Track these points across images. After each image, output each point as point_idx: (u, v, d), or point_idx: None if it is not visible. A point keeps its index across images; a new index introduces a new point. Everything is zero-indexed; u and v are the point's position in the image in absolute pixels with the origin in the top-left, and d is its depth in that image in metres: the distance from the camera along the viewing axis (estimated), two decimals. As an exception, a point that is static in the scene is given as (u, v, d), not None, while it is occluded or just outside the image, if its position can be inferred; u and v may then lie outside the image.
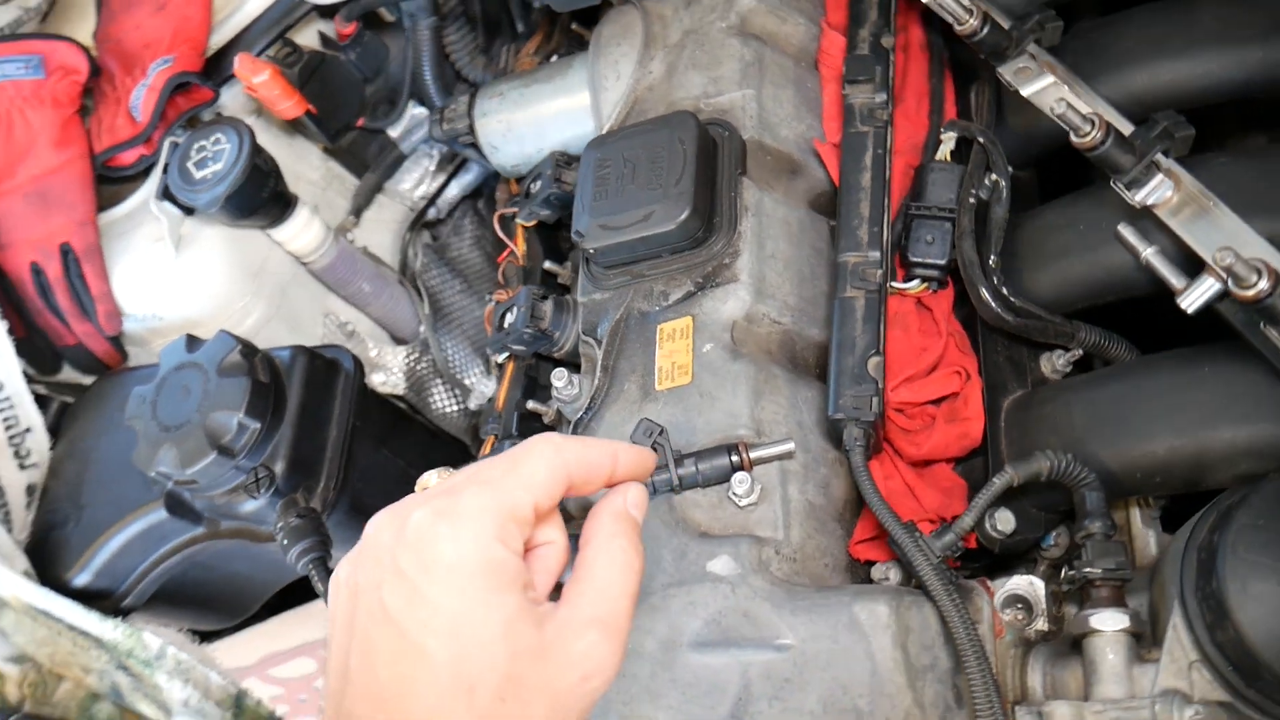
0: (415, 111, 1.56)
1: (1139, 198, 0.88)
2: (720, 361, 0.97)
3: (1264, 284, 0.70)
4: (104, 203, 1.38)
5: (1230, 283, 0.71)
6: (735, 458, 0.91)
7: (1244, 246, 0.83)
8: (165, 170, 1.31)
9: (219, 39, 1.43)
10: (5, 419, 1.31)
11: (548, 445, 0.63)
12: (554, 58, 1.43)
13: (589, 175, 1.07)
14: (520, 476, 0.61)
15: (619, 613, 0.61)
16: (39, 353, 1.40)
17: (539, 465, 0.62)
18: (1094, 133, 0.83)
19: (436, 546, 0.58)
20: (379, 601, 0.58)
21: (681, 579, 0.90)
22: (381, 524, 0.61)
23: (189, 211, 1.32)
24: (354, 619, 0.59)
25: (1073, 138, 0.84)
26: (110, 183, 1.40)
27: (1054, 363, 1.02)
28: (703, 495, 0.93)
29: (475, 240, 1.68)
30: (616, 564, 0.63)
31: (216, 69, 1.41)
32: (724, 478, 0.91)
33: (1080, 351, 1.01)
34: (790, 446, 0.91)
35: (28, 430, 1.33)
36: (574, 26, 1.44)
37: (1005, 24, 1.03)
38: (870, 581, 0.94)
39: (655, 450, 0.93)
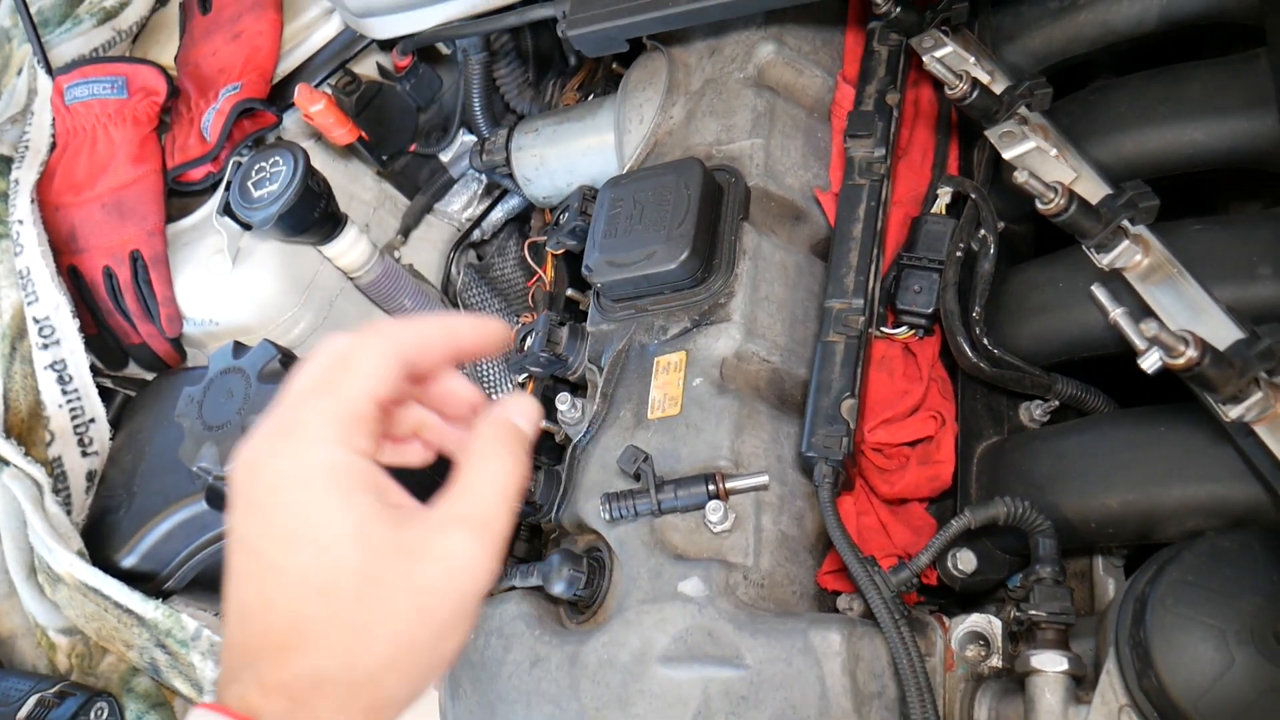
0: (466, 139, 1.65)
1: (1105, 261, 0.93)
2: (707, 396, 1.03)
3: (1192, 353, 0.74)
4: (173, 214, 1.50)
5: (1162, 353, 0.75)
6: (712, 486, 0.97)
7: (1199, 314, 0.88)
8: (227, 188, 1.42)
9: (285, 67, 1.54)
10: (72, 409, 1.44)
11: (373, 335, 0.61)
12: (591, 95, 1.51)
13: (602, 214, 1.14)
14: (352, 375, 0.59)
15: (491, 516, 0.58)
16: (107, 349, 1.52)
17: (367, 357, 0.59)
18: (1057, 200, 0.88)
19: (277, 465, 0.57)
20: (239, 536, 0.58)
21: (655, 596, 0.96)
22: (237, 465, 0.60)
23: (247, 227, 1.43)
24: (229, 562, 0.58)
25: (1038, 204, 0.89)
26: (180, 196, 1.52)
27: (1031, 412, 1.06)
28: (681, 520, 0.99)
29: (519, 262, 1.77)
30: (490, 469, 0.60)
31: (282, 95, 1.52)
32: (701, 505, 0.98)
33: (1057, 402, 1.05)
34: (764, 480, 0.98)
35: (92, 420, 1.45)
36: (615, 66, 1.52)
37: (998, 89, 1.08)
38: (837, 611, 1.00)
39: (639, 477, 1.00)
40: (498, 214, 1.72)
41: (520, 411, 0.64)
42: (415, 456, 0.70)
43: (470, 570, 0.57)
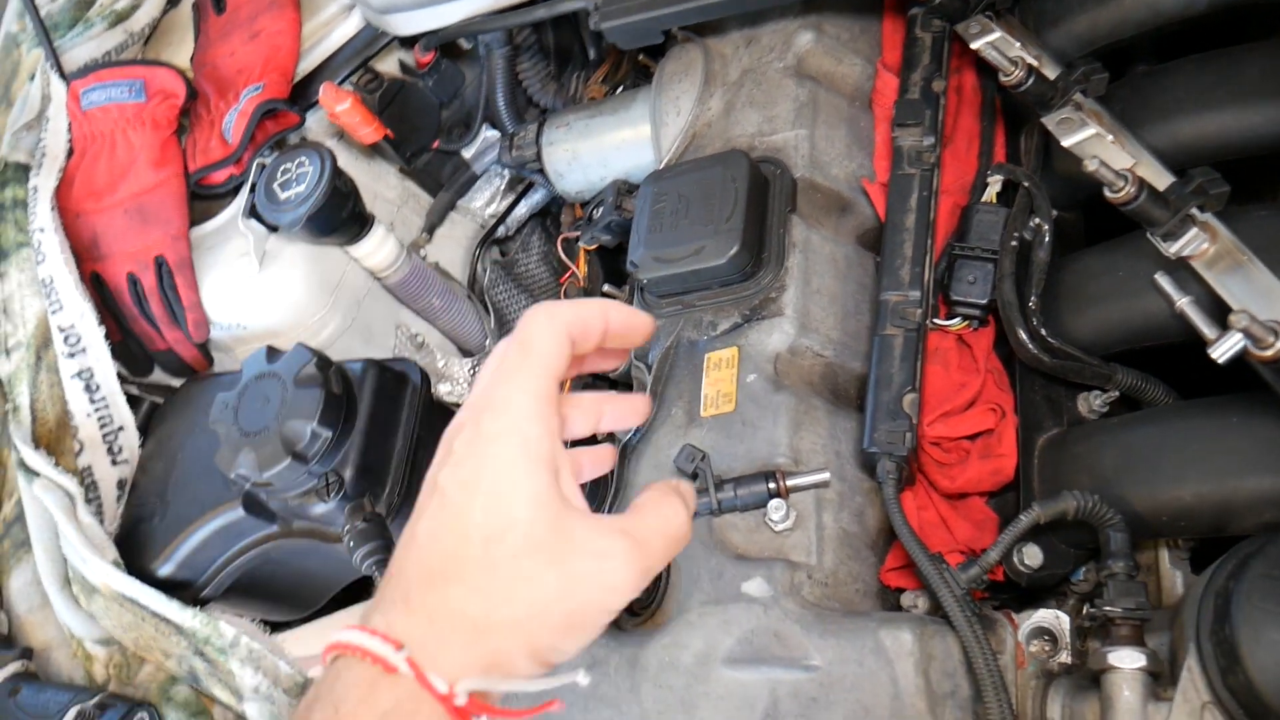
0: (488, 134, 1.63)
1: (1173, 250, 0.91)
2: (763, 392, 1.02)
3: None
4: (196, 218, 1.48)
5: (1249, 343, 0.74)
6: (772, 485, 0.95)
7: (1274, 301, 0.86)
8: (252, 190, 1.40)
9: (306, 66, 1.51)
10: (100, 418, 1.41)
11: (542, 314, 0.65)
12: (620, 88, 1.49)
13: (645, 208, 1.13)
14: (535, 357, 0.63)
15: (652, 544, 0.61)
16: (133, 356, 1.50)
17: (544, 339, 0.63)
18: (1127, 188, 0.86)
19: (480, 427, 0.61)
20: (431, 478, 0.63)
21: (718, 598, 0.95)
22: (449, 426, 0.66)
23: (273, 229, 1.41)
24: (418, 502, 0.64)
25: (1107, 193, 0.87)
26: (203, 199, 1.49)
27: (1091, 403, 1.05)
28: (740, 519, 0.98)
29: (543, 256, 1.75)
30: (665, 509, 0.64)
31: (303, 94, 1.50)
32: (761, 503, 0.95)
33: (1117, 393, 1.04)
34: (825, 476, 0.95)
35: (120, 429, 1.43)
36: (641, 58, 1.50)
37: (1052, 75, 1.06)
38: (899, 608, 0.98)
39: (695, 476, 0.98)
40: (521, 209, 1.70)
41: (687, 490, 0.68)
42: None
43: (615, 580, 0.59)
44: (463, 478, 0.61)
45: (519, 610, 0.58)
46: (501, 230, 1.70)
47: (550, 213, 1.75)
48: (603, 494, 1.11)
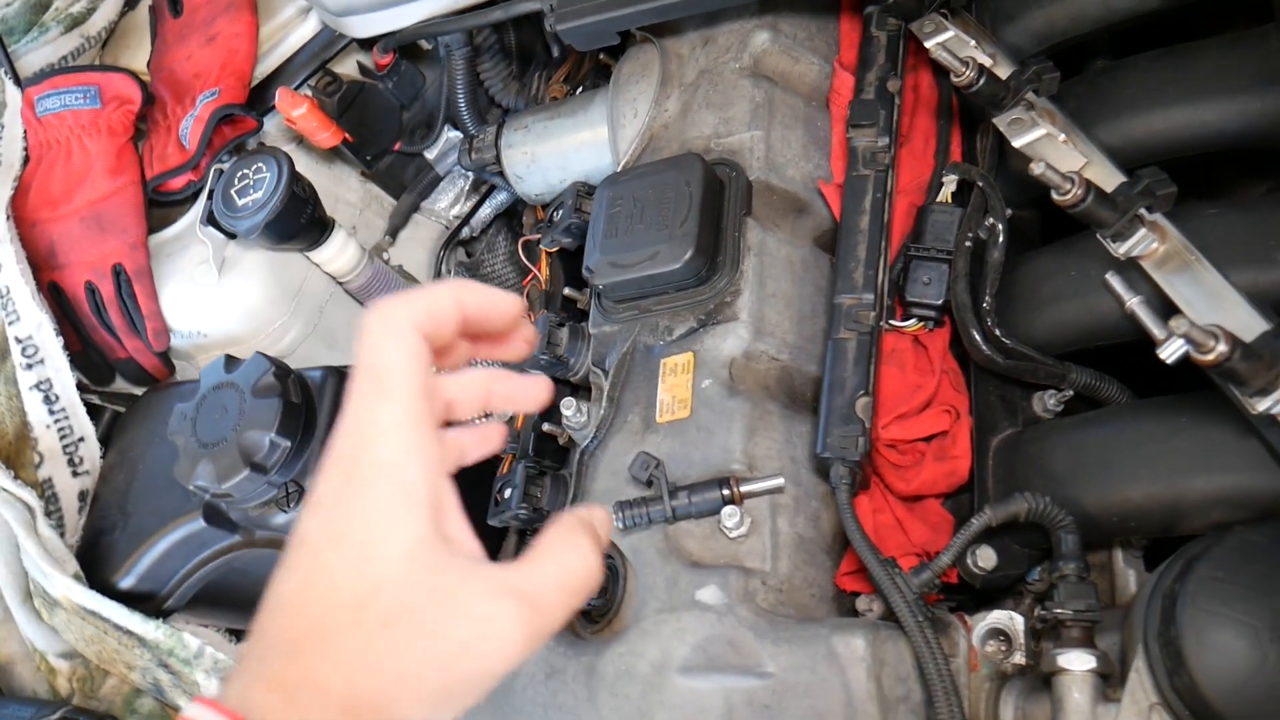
0: (451, 135, 1.62)
1: (1122, 250, 0.91)
2: (717, 397, 1.01)
3: (1222, 347, 0.73)
4: (155, 225, 1.46)
5: (1190, 348, 0.74)
6: (726, 491, 0.95)
7: (1220, 302, 0.86)
8: (210, 197, 1.38)
9: (264, 69, 1.50)
10: (60, 429, 1.40)
11: (378, 326, 0.57)
12: (580, 88, 1.48)
13: (601, 213, 1.12)
14: (390, 380, 0.56)
15: (546, 603, 0.55)
16: (93, 365, 1.49)
17: (392, 355, 0.56)
18: (1074, 191, 0.86)
19: (348, 471, 0.55)
20: (298, 531, 0.56)
21: (672, 605, 0.94)
22: (320, 465, 0.58)
23: (231, 236, 1.39)
24: (283, 557, 0.56)
25: (1054, 195, 0.87)
26: (161, 206, 1.48)
27: (1045, 402, 1.05)
28: (696, 526, 0.97)
29: (508, 257, 1.74)
30: (564, 558, 0.57)
31: (262, 98, 1.49)
32: (715, 510, 0.96)
33: (1071, 392, 1.03)
34: (779, 482, 0.96)
35: (81, 439, 1.42)
36: (602, 57, 1.49)
37: (1006, 73, 1.06)
38: (856, 613, 0.98)
39: (651, 484, 0.98)
40: (486, 210, 1.69)
41: (600, 520, 0.61)
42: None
43: (500, 647, 0.53)
44: (331, 531, 0.54)
45: (388, 684, 0.52)
46: (466, 231, 1.69)
47: (516, 213, 1.74)
48: (560, 502, 1.11)
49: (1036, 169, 0.86)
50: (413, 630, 0.52)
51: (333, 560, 0.53)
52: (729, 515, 0.95)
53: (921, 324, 1.06)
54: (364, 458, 0.55)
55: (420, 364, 0.57)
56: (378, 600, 0.52)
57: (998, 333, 1.01)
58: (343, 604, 0.52)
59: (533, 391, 0.68)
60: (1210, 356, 0.73)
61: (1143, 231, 0.90)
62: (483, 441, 0.69)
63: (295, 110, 1.36)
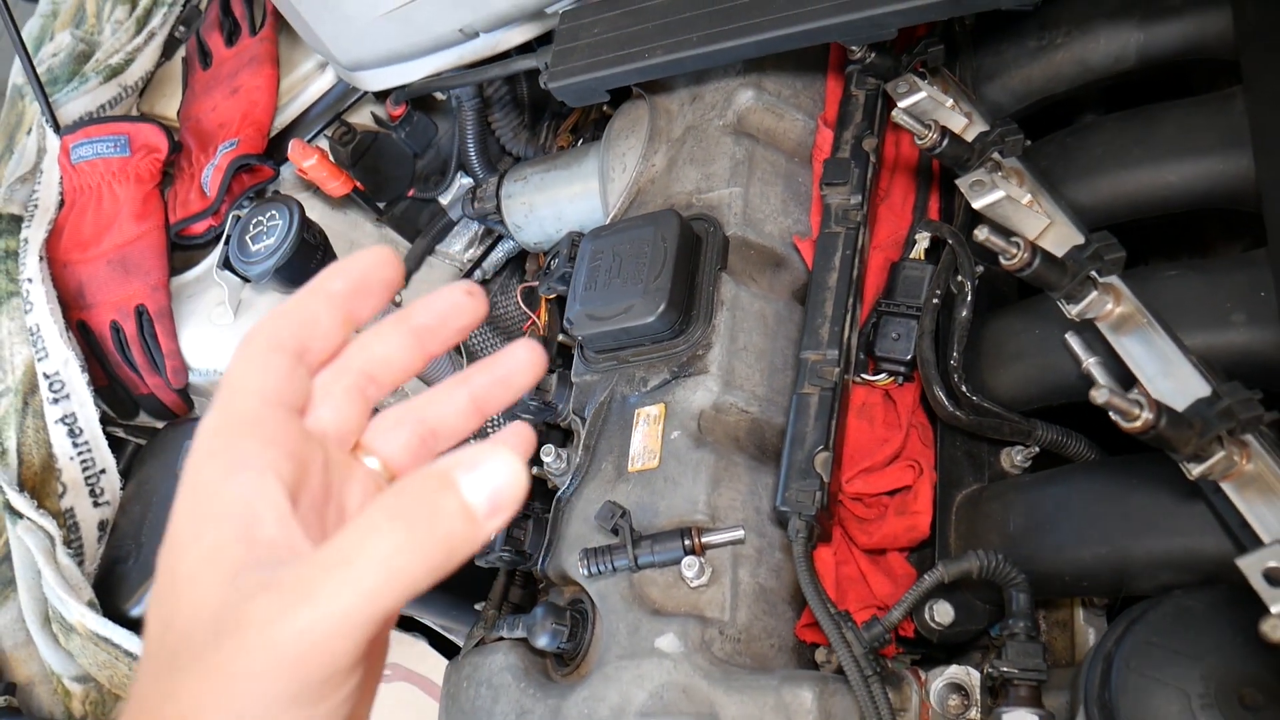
0: (464, 181, 1.67)
1: (1075, 311, 0.92)
2: (685, 449, 1.04)
3: (1147, 415, 0.74)
4: (177, 267, 1.54)
5: (1117, 417, 0.75)
6: (688, 541, 0.98)
7: (1169, 365, 0.87)
8: (226, 242, 1.45)
9: (282, 120, 1.57)
10: (83, 461, 1.47)
11: (250, 335, 0.52)
12: (581, 140, 1.52)
13: (583, 266, 1.16)
14: (234, 382, 0.51)
15: (331, 591, 0.42)
16: (118, 400, 1.56)
17: (240, 363, 0.51)
18: (1020, 255, 0.88)
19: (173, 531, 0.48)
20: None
21: (633, 652, 0.97)
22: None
23: (246, 280, 1.46)
24: None
25: (1001, 260, 0.89)
26: (183, 249, 1.56)
27: (1013, 458, 1.06)
28: (660, 574, 1.00)
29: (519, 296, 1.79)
30: (371, 544, 0.43)
31: (280, 147, 1.55)
32: (677, 559, 0.98)
33: (1038, 448, 1.04)
34: (739, 534, 0.98)
35: (102, 471, 1.49)
36: (605, 108, 1.54)
37: (976, 130, 1.08)
38: (814, 664, 1.00)
39: (617, 532, 1.01)
40: (499, 254, 1.74)
41: (475, 463, 0.45)
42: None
43: (272, 660, 0.42)
44: (162, 568, 0.48)
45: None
46: (479, 274, 1.74)
47: (528, 255, 1.78)
48: (542, 545, 1.14)
49: (980, 235, 0.88)
50: (187, 663, 0.44)
51: (159, 595, 0.47)
52: (689, 565, 0.97)
53: (891, 378, 1.08)
54: (187, 487, 0.49)
55: (263, 380, 0.50)
56: (154, 647, 0.46)
57: (964, 389, 1.02)
58: (152, 646, 0.47)
59: (523, 359, 0.57)
60: (1136, 424, 0.74)
61: (1095, 294, 0.91)
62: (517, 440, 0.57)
63: (306, 161, 1.43)
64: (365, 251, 0.55)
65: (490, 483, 0.45)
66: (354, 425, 0.55)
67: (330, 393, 0.54)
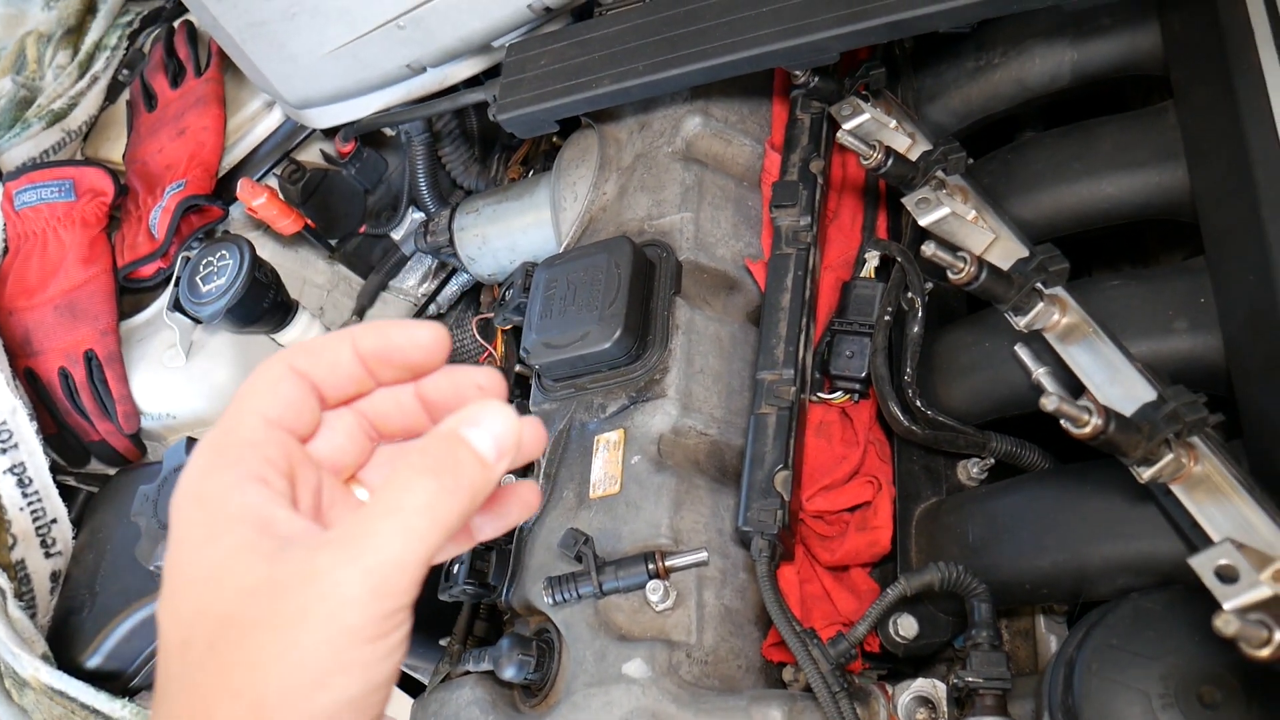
0: (416, 216, 1.67)
1: (1023, 323, 0.94)
2: (646, 473, 1.04)
3: (1096, 421, 0.76)
4: (126, 310, 1.52)
5: (1067, 424, 0.76)
6: (651, 566, 0.98)
7: (1116, 373, 0.89)
8: (176, 284, 1.44)
9: (230, 160, 1.56)
10: (34, 511, 1.44)
11: (271, 361, 0.55)
12: (532, 171, 1.53)
13: (538, 295, 1.16)
14: (243, 401, 0.53)
15: (379, 544, 0.47)
16: (69, 447, 1.53)
17: (254, 385, 0.54)
18: (967, 269, 0.89)
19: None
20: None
21: (600, 679, 0.96)
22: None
23: (197, 321, 1.44)
24: None
25: (949, 275, 0.91)
26: (133, 293, 1.54)
27: (969, 470, 1.07)
28: (625, 600, 1.00)
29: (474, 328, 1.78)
30: (403, 499, 0.49)
31: (229, 187, 1.54)
32: (642, 584, 0.98)
33: (993, 460, 1.06)
34: (703, 556, 0.98)
35: (54, 521, 1.45)
36: (555, 139, 1.55)
37: (919, 151, 1.10)
38: (782, 683, 1.00)
39: (580, 559, 1.00)
40: (453, 288, 1.74)
41: (476, 420, 0.51)
42: None
43: (339, 602, 0.46)
44: (173, 570, 0.50)
45: (236, 708, 0.46)
46: (434, 308, 1.74)
47: (483, 288, 1.78)
48: (505, 577, 1.14)
49: (927, 250, 0.89)
50: (240, 638, 0.47)
51: (160, 619, 0.50)
52: (653, 590, 0.97)
53: (847, 396, 1.09)
54: (180, 489, 0.51)
55: (270, 403, 0.53)
56: (197, 631, 0.48)
57: (919, 404, 1.03)
58: (172, 653, 0.49)
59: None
60: (1085, 430, 0.76)
61: (1041, 305, 0.93)
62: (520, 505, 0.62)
63: (255, 200, 1.42)
64: (418, 326, 0.57)
65: (491, 432, 0.51)
66: (352, 460, 0.59)
67: (333, 427, 0.57)
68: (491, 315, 1.41)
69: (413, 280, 1.73)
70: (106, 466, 1.56)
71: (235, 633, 0.47)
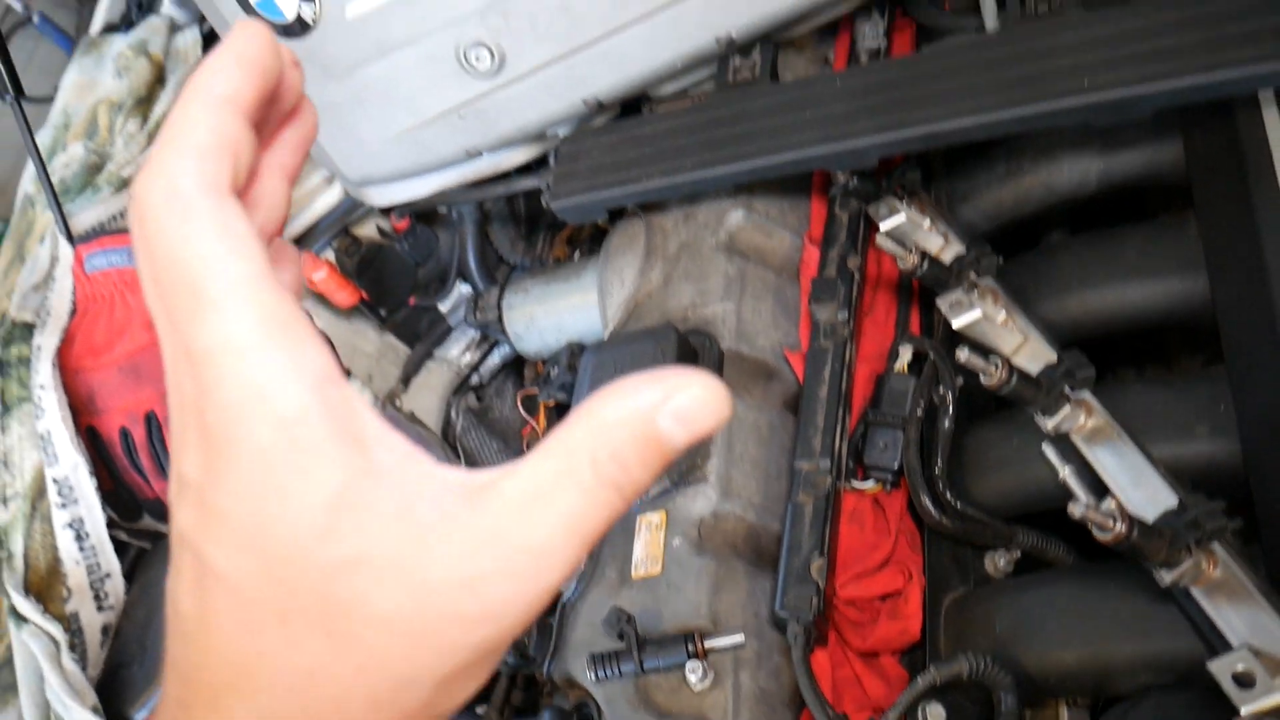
0: (463, 288, 1.74)
1: (1050, 424, 0.99)
2: (686, 555, 1.09)
3: (1120, 528, 0.80)
4: (186, 374, 1.58)
5: (1093, 529, 0.81)
6: (691, 646, 1.03)
7: (1139, 476, 0.94)
8: (236, 352, 1.50)
9: (292, 231, 1.63)
10: (89, 566, 1.50)
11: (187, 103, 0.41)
12: (578, 252, 1.60)
13: (586, 378, 1.22)
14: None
15: (540, 548, 0.38)
16: (123, 503, 1.59)
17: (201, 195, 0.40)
18: (998, 374, 0.95)
19: (205, 417, 0.39)
20: (175, 527, 0.41)
21: (641, 756, 1.01)
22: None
23: (254, 387, 1.50)
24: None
25: (981, 379, 0.96)
26: (192, 357, 1.60)
27: (996, 562, 1.11)
28: (664, 679, 1.04)
29: (516, 403, 1.84)
30: (554, 505, 0.39)
31: (287, 258, 1.62)
32: (681, 664, 1.03)
33: (1019, 553, 1.10)
34: (740, 639, 1.03)
35: (107, 575, 1.51)
36: (601, 222, 1.62)
37: (959, 248, 1.16)
38: (815, 764, 1.04)
39: (623, 637, 1.05)
40: (495, 359, 1.80)
41: (676, 411, 0.39)
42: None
43: (500, 622, 0.38)
44: (208, 519, 0.39)
45: (351, 685, 0.37)
46: (476, 378, 1.80)
47: (525, 361, 1.85)
48: (546, 649, 1.18)
49: (961, 355, 0.95)
50: (371, 600, 0.37)
51: (232, 567, 0.38)
52: (692, 670, 1.01)
53: (880, 485, 1.14)
54: (213, 399, 0.39)
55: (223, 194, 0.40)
56: (300, 601, 0.37)
57: (948, 496, 1.08)
58: (253, 625, 0.38)
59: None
60: (1109, 536, 0.80)
61: (1068, 409, 0.98)
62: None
63: (316, 274, 1.49)
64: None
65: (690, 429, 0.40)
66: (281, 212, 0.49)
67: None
68: (534, 391, 1.47)
69: (455, 350, 1.80)
70: (158, 523, 1.62)
71: (314, 601, 0.37)
